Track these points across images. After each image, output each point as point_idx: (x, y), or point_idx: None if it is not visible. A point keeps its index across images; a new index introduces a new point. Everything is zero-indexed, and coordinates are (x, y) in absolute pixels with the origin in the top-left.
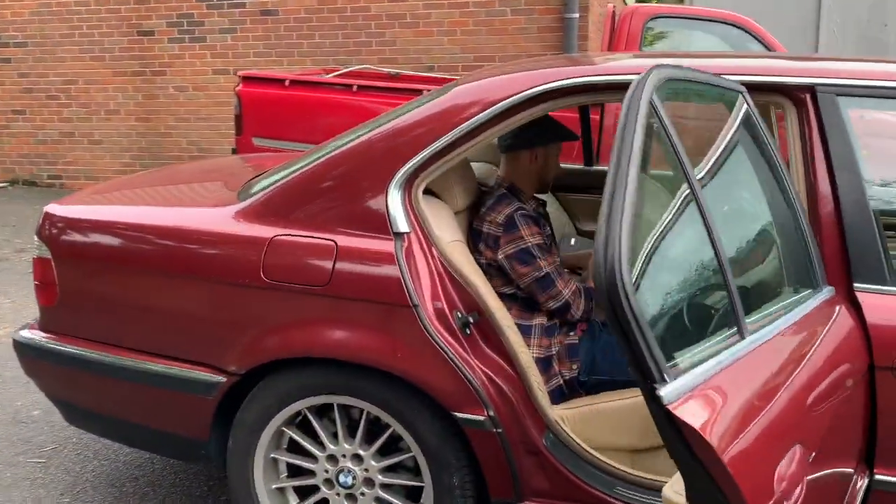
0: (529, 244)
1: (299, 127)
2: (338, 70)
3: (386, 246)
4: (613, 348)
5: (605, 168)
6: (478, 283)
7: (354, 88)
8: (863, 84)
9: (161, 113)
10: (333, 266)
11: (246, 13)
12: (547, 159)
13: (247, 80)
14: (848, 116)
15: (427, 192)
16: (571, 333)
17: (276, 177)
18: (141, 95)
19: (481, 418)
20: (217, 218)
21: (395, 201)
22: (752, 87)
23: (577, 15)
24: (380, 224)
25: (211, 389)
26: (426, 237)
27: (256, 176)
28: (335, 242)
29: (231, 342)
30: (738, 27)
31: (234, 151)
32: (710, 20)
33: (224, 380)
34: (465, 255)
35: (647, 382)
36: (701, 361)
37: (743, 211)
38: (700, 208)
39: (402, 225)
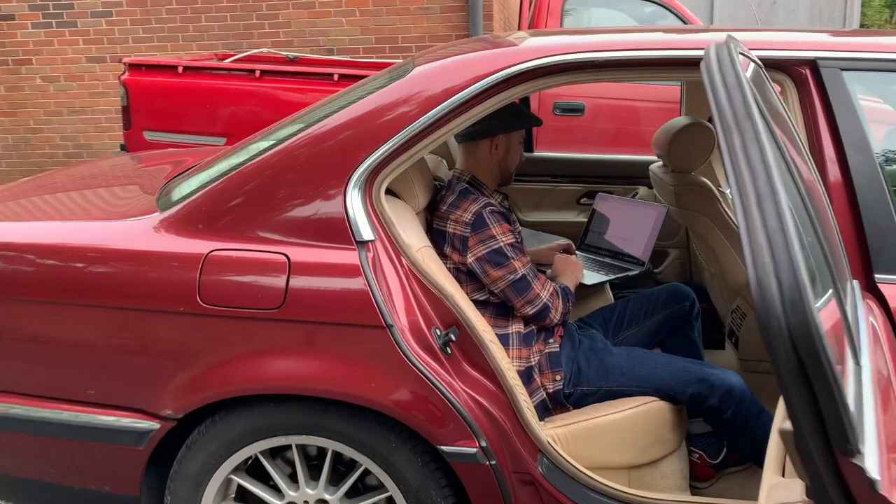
0: (502, 244)
1: (197, 118)
2: (232, 55)
3: (348, 257)
4: (596, 354)
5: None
6: (455, 295)
7: (257, 74)
8: (870, 57)
9: (28, 106)
10: (287, 284)
11: None
12: (509, 149)
13: (134, 67)
14: (855, 93)
15: (386, 191)
16: (551, 340)
17: (204, 178)
18: (3, 87)
19: (472, 450)
20: (135, 232)
21: (355, 204)
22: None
23: None
24: (339, 232)
25: (141, 439)
26: (393, 245)
27: (174, 177)
28: (287, 256)
29: (164, 381)
30: (661, 4)
31: (124, 147)
32: None
33: (157, 426)
34: (437, 263)
35: (842, 454)
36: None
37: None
38: (808, 210)
39: (365, 232)
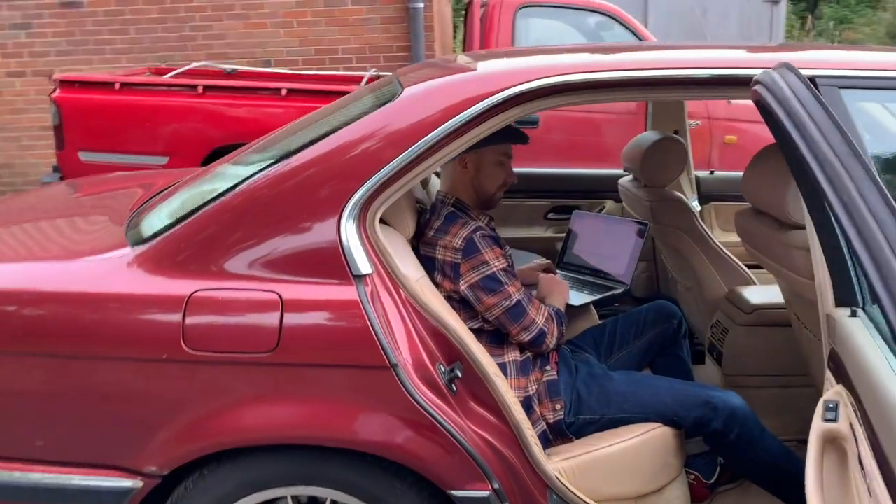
0: (495, 269)
1: (137, 136)
2: (169, 69)
3: (346, 293)
4: (596, 380)
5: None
6: (457, 328)
7: (200, 89)
8: (871, 76)
9: None
10: (280, 325)
11: (43, 5)
12: (480, 167)
13: (66, 84)
14: (853, 112)
15: None
16: (547, 368)
17: (177, 208)
18: None
19: (485, 494)
20: (105, 272)
21: (350, 236)
22: (734, 82)
23: (421, 4)
24: (335, 266)
25: (121, 499)
26: (391, 277)
27: (140, 206)
28: (279, 294)
29: (147, 436)
30: (609, 16)
31: (56, 169)
32: (580, 9)
33: (140, 484)
34: (436, 294)
35: None
36: None
37: None
38: None
39: (363, 265)
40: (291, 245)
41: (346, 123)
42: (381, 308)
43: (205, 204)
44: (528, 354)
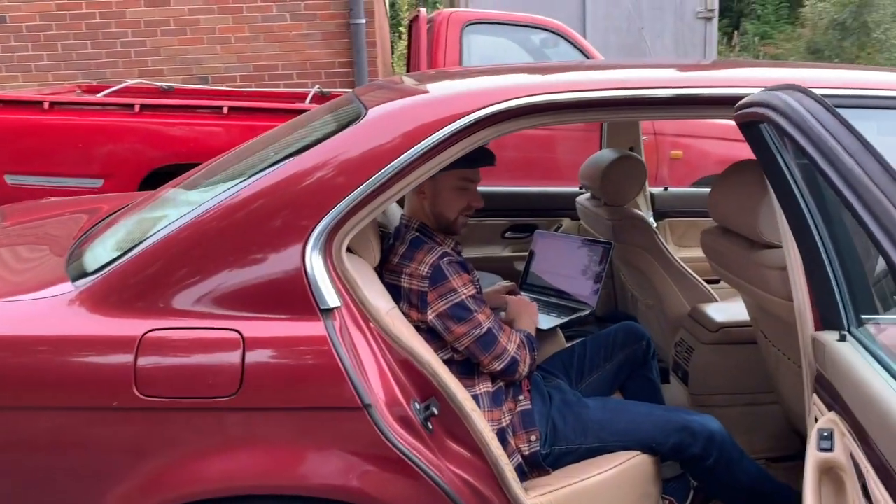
0: (464, 297)
1: (69, 158)
2: (103, 87)
3: (313, 329)
4: (571, 409)
5: None
6: (432, 362)
7: (137, 108)
8: (862, 94)
9: None
10: (242, 366)
11: None
12: (438, 194)
13: None
14: None
15: None
16: (521, 397)
17: (123, 239)
18: None
19: None
20: (45, 311)
21: (317, 267)
22: (719, 102)
23: (363, 20)
24: (300, 300)
25: None
26: (360, 310)
27: (82, 236)
28: (240, 332)
29: (100, 493)
30: (556, 33)
31: None
32: (526, 26)
33: None
34: (408, 326)
35: None
36: None
37: None
38: None
39: (330, 298)
40: (253, 278)
41: (308, 146)
42: (351, 343)
43: (156, 233)
44: (500, 384)
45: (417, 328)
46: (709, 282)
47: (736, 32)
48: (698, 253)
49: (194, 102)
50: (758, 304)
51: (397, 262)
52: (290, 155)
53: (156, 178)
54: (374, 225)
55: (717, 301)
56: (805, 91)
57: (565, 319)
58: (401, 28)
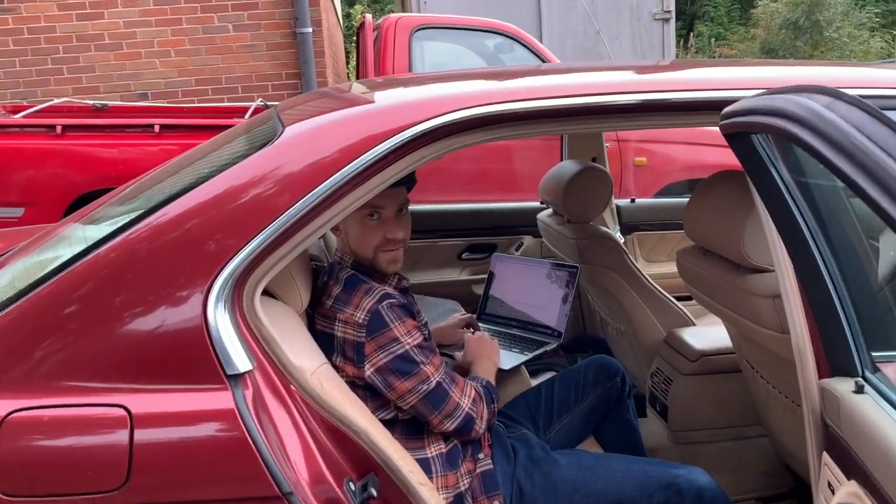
0: (408, 347)
1: None
2: (26, 107)
3: (218, 400)
4: (538, 467)
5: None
6: (369, 430)
7: (59, 130)
8: (882, 94)
9: None
10: (130, 451)
11: None
12: (348, 229)
13: None
14: None
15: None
16: (480, 456)
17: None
18: None
19: None
20: None
21: (222, 322)
22: (707, 107)
23: (310, 29)
24: (201, 365)
25: None
26: (279, 371)
27: None
28: (126, 409)
29: None
30: (511, 37)
31: None
32: (479, 30)
33: None
34: (341, 387)
35: None
36: None
37: None
38: None
39: (239, 360)
40: (142, 340)
41: (212, 175)
42: (266, 416)
43: (25, 289)
44: (456, 442)
45: (353, 384)
46: (680, 298)
47: (692, 34)
48: (669, 268)
49: (122, 121)
50: (744, 334)
51: (331, 305)
52: (191, 187)
53: (83, 205)
54: (303, 260)
55: (693, 324)
56: (835, 94)
57: (530, 356)
58: (354, 38)
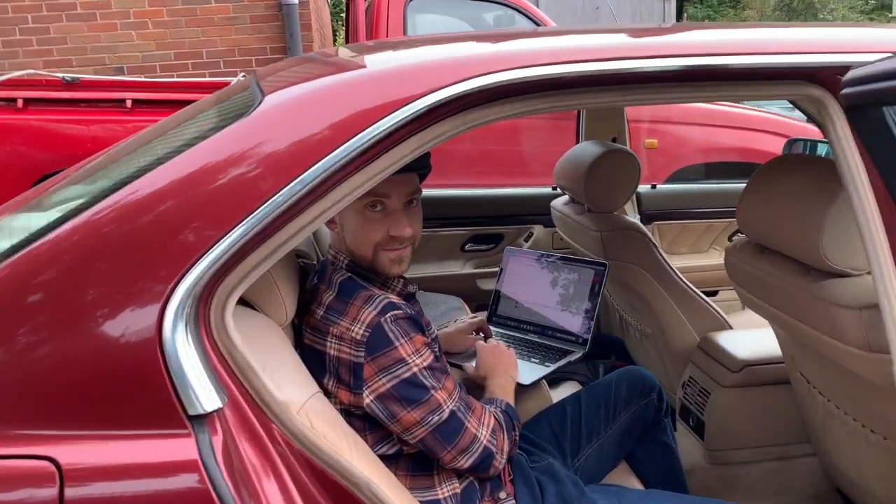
0: (416, 370)
1: None
2: None
3: (177, 449)
4: (569, 500)
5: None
6: (371, 482)
7: (20, 104)
8: None
9: None
10: None
11: None
12: (344, 224)
13: None
14: None
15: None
16: (501, 495)
17: None
18: None
19: None
20: None
21: (181, 346)
22: (755, 75)
23: (296, 1)
24: (154, 402)
25: None
26: (256, 407)
27: None
28: (54, 461)
29: None
30: (513, 7)
31: None
32: (479, 0)
33: None
34: (335, 424)
35: None
36: None
37: None
38: None
39: (206, 397)
40: (77, 373)
41: (167, 158)
42: (240, 467)
43: None
44: (471, 478)
45: (349, 413)
46: (707, 294)
47: (684, 16)
48: (692, 261)
49: (91, 96)
50: (806, 345)
51: (322, 315)
52: (140, 173)
53: None
54: (288, 260)
55: (730, 328)
56: None
57: (552, 367)
58: (343, 15)
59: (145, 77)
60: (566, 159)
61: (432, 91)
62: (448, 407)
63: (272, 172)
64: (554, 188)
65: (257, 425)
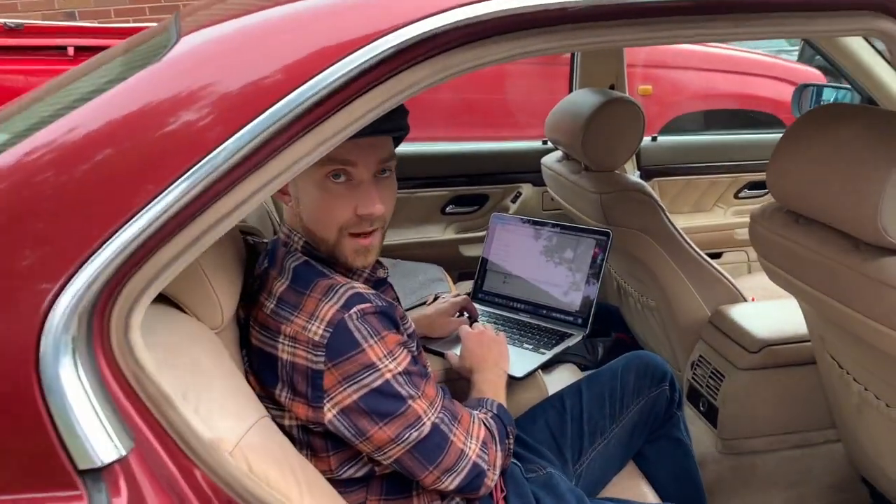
0: (388, 377)
1: None
2: None
3: None
4: None
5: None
6: None
7: None
8: None
9: None
10: None
11: None
12: (300, 197)
13: None
14: None
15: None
16: None
17: None
18: None
19: None
20: None
21: (64, 380)
22: (813, 6)
23: None
24: (31, 456)
25: None
26: (177, 451)
27: None
28: None
29: None
30: None
31: None
32: None
33: None
34: (281, 460)
35: None
36: None
37: None
38: None
39: (101, 445)
40: None
41: (55, 117)
42: None
43: None
44: (457, 500)
45: (306, 430)
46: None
47: None
48: (695, 221)
49: (32, 43)
50: (845, 327)
51: (273, 309)
52: (23, 135)
53: None
54: (229, 241)
55: (744, 300)
56: None
57: (548, 355)
58: None
59: (98, 23)
60: (560, 110)
61: (403, 25)
62: (429, 419)
63: (189, 139)
64: (544, 142)
65: (176, 473)
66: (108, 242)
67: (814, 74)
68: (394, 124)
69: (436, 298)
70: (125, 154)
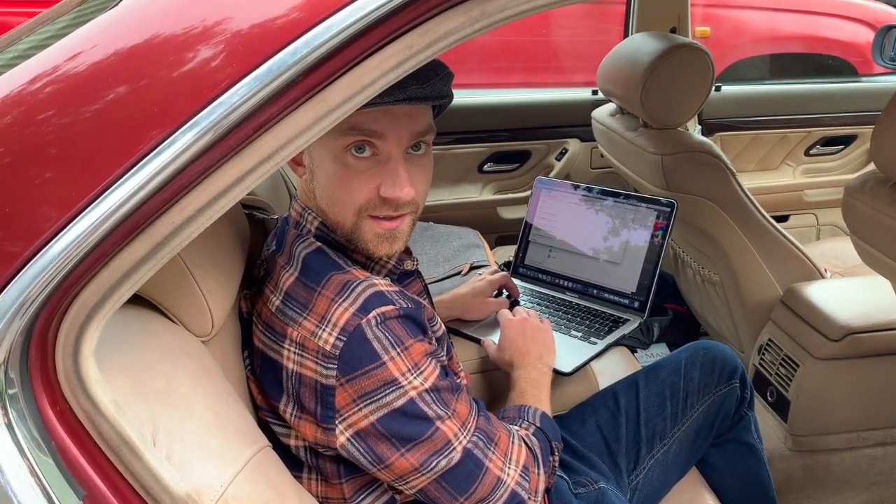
0: (413, 394)
1: None
2: None
3: None
4: None
5: None
6: None
7: None
8: None
9: None
10: None
11: None
12: (315, 172)
13: None
14: None
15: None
16: None
17: None
18: None
19: None
20: None
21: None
22: None
23: None
24: None
25: None
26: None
27: None
28: None
29: None
30: None
31: None
32: None
33: None
34: None
35: None
36: None
37: None
38: None
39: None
40: None
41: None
42: None
43: None
44: None
45: (314, 452)
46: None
47: None
48: (762, 181)
49: None
50: None
51: (278, 306)
52: None
53: None
54: (227, 224)
55: (823, 276)
56: None
57: (601, 346)
58: None
59: None
60: (614, 57)
61: None
62: (460, 443)
63: (160, 108)
64: (594, 92)
65: None
66: (45, 248)
67: (892, 14)
68: (435, 89)
69: (472, 269)
70: (81, 129)
